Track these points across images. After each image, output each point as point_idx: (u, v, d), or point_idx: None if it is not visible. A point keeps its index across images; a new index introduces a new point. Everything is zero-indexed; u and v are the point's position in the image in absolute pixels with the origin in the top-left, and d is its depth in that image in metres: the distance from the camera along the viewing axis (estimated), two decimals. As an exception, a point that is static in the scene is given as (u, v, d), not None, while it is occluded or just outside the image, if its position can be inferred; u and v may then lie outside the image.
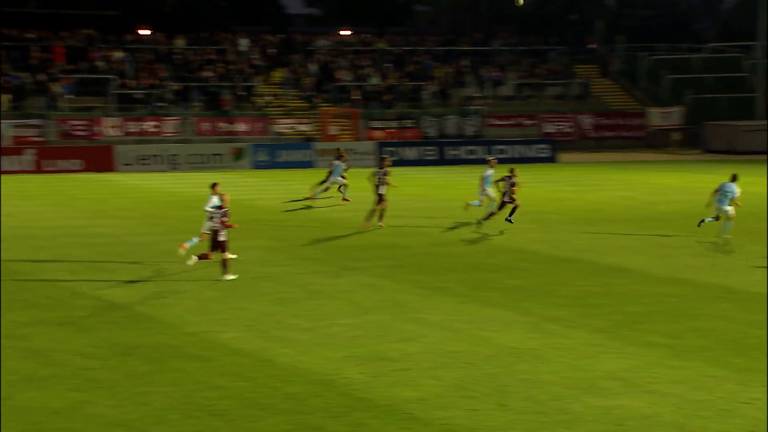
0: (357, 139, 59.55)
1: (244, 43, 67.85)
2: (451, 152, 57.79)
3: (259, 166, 54.45)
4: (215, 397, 13.83)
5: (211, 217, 22.27)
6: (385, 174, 29.98)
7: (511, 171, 30.19)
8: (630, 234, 29.30)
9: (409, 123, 62.65)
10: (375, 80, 66.85)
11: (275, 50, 68.32)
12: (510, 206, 30.01)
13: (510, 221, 30.10)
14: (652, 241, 27.92)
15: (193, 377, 14.76)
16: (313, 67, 66.79)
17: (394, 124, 62.38)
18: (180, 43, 67.22)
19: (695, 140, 64.88)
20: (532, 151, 58.94)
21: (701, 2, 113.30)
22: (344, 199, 36.36)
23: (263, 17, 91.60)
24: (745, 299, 20.15)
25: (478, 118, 64.12)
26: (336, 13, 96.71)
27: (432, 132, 62.41)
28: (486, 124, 64.09)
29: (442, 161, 56.93)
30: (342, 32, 73.75)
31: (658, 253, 25.89)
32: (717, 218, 28.15)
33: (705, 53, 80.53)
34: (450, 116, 63.71)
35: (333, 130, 60.24)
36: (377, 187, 29.88)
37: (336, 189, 37.38)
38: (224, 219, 22.13)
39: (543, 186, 43.27)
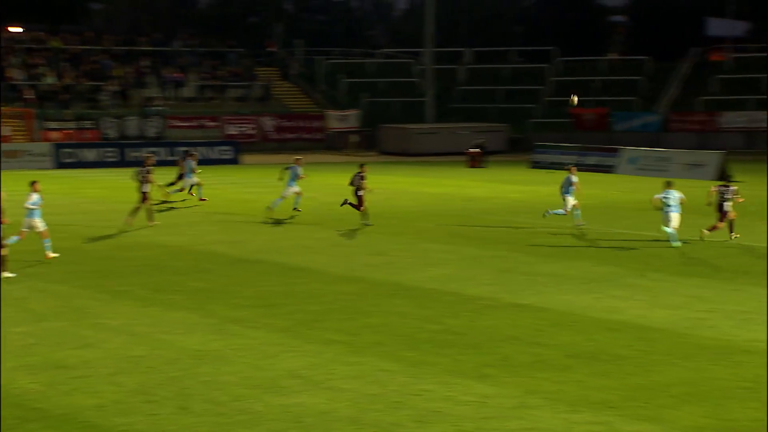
0: (32, 140, 57.45)
1: None
2: (132, 154, 56.74)
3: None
4: None
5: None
6: (148, 172, 30.56)
7: (361, 167, 31.78)
8: (311, 234, 29.99)
9: (87, 124, 61.09)
10: (50, 79, 64.67)
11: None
12: (355, 202, 31.25)
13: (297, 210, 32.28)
14: (332, 241, 28.71)
15: None
16: (-18, 65, 63.82)
17: (71, 124, 60.63)
18: None
19: (371, 142, 67.04)
20: (214, 152, 58.95)
21: (374, 9, 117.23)
22: (201, 199, 36.63)
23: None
24: (418, 295, 21.12)
25: (159, 119, 63.42)
26: (2, 8, 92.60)
27: (112, 133, 61.16)
28: (168, 125, 63.48)
29: (123, 163, 55.82)
30: (11, 29, 70.78)
31: (337, 253, 26.66)
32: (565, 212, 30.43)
33: (378, 58, 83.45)
34: (131, 117, 62.67)
35: (6, 130, 57.73)
36: (141, 185, 30.54)
37: (188, 190, 37.30)
38: None
39: (226, 188, 43.45)
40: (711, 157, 49.16)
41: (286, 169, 34.55)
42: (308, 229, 31.04)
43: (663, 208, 27.43)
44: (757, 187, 40.65)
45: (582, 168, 53.19)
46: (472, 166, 55.64)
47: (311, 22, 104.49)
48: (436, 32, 73.06)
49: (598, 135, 66.38)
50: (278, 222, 32.53)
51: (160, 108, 64.38)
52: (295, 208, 34.31)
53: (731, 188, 28.52)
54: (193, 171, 37.24)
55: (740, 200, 28.43)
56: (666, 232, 27.35)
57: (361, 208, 31.48)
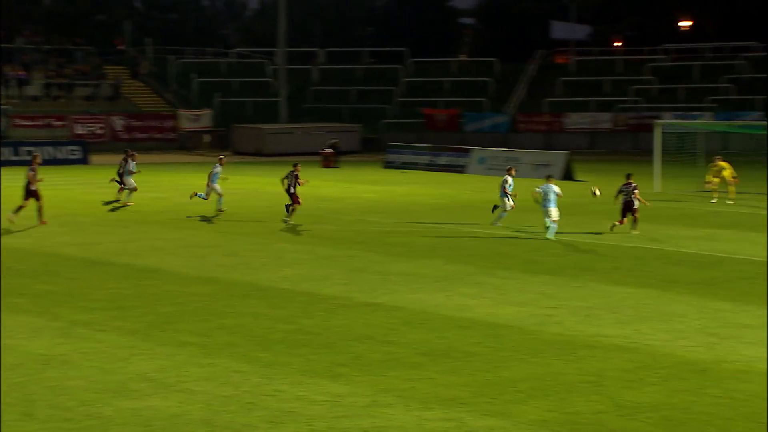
0: None
1: None
2: (-25, 153, 55.09)
3: None
4: None
5: None
6: (34, 170, 30.78)
7: (295, 166, 32.28)
8: (163, 235, 29.62)
9: (-73, 123, 59.01)
10: None
11: None
12: (295, 202, 31.57)
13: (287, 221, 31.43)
14: (185, 242, 28.41)
15: None
16: None
17: None
18: None
19: (225, 142, 66.59)
20: (62, 152, 57.65)
21: (225, 8, 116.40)
22: (127, 204, 36.40)
23: None
24: (272, 295, 21.09)
25: (3, 118, 61.62)
26: None
27: (-47, 132, 59.24)
28: (12, 124, 61.80)
29: (-35, 163, 54.12)
30: None
31: (190, 254, 26.39)
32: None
33: (231, 58, 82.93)
34: (-28, 116, 60.80)
35: None
36: (28, 184, 30.68)
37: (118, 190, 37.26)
38: None
39: (75, 188, 42.56)
40: (557, 157, 50.42)
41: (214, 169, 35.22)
42: (160, 230, 30.65)
43: (542, 202, 28.58)
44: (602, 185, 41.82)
45: (434, 168, 54.11)
46: (326, 166, 55.79)
47: (162, 20, 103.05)
48: (288, 32, 72.99)
49: (450, 135, 67.42)
50: (126, 224, 32.05)
51: (4, 107, 62.56)
52: (196, 200, 35.15)
53: (632, 185, 29.75)
54: (131, 173, 36.94)
55: (645, 202, 30.07)
56: (547, 224, 28.55)
57: (297, 204, 31.72)
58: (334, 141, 58.58)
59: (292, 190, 31.82)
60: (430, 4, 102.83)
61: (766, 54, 77.94)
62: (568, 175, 48.35)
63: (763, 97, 70.88)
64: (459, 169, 53.47)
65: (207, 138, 66.38)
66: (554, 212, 28.52)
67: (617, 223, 29.60)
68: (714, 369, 15.64)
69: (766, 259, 25.08)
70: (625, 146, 67.99)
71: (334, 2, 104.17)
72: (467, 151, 55.08)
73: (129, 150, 39.31)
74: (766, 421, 13.28)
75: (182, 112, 69.16)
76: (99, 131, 64.88)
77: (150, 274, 23.33)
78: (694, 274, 23.55)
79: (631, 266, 24.56)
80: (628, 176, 30.21)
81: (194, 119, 68.94)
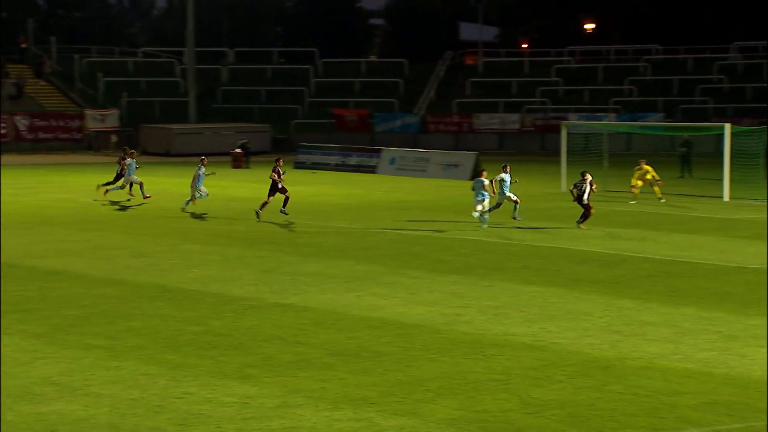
0: None
1: None
2: None
3: None
4: None
5: None
6: None
7: (277, 161, 33.34)
8: (69, 237, 29.17)
9: None
10: None
11: None
12: (282, 196, 32.49)
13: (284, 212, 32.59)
14: (92, 244, 28.01)
15: None
16: None
17: None
18: None
19: (133, 143, 65.81)
20: (-36, 153, 56.44)
21: (132, 7, 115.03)
22: (145, 197, 36.67)
23: None
24: (181, 297, 20.92)
25: None
26: None
27: None
28: None
29: None
30: None
31: (98, 255, 26.04)
32: (498, 206, 31.35)
33: (138, 57, 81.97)
34: None
35: None
36: None
37: (130, 188, 37.26)
38: None
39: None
40: (466, 158, 50.81)
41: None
42: (66, 232, 30.18)
43: (476, 193, 30.57)
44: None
45: (344, 168, 54.13)
46: (236, 167, 55.45)
47: (67, 18, 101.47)
48: (197, 32, 72.38)
49: (360, 136, 67.54)
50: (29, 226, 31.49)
51: None
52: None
53: (587, 180, 30.65)
54: (134, 169, 37.25)
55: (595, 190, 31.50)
56: (475, 216, 30.57)
57: (272, 198, 32.66)
58: (244, 141, 58.24)
59: (280, 185, 32.70)
60: (339, 4, 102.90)
61: (666, 57, 79.65)
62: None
63: (664, 98, 72.37)
64: (369, 169, 53.57)
65: (114, 138, 65.52)
66: (487, 202, 30.50)
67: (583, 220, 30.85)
68: (618, 366, 15.92)
69: (731, 264, 25.64)
70: (533, 147, 68.82)
71: (243, 2, 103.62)
72: (378, 151, 55.23)
73: (127, 148, 39.32)
74: (667, 416, 13.57)
75: (89, 111, 68.17)
76: (2, 131, 63.62)
77: (55, 276, 22.97)
78: (599, 273, 23.94)
79: (539, 265, 24.88)
80: (583, 174, 31.10)
81: (101, 119, 67.99)
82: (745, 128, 46.25)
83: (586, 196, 30.59)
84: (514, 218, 31.76)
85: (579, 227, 30.58)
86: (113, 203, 37.42)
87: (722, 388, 14.73)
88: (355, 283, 22.50)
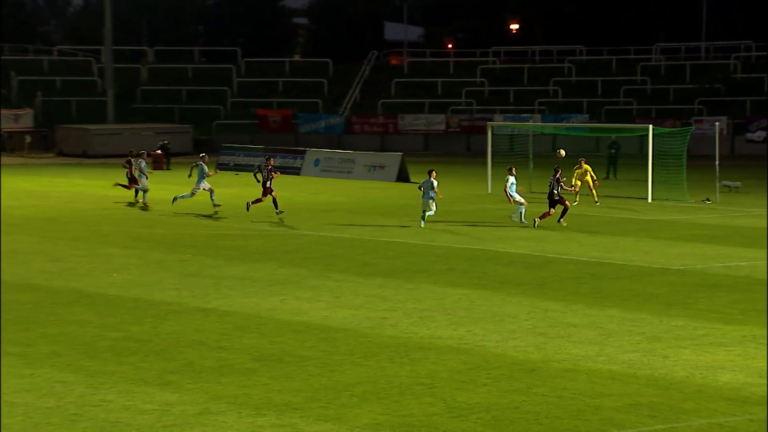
0: None
1: None
2: None
3: None
4: None
5: None
6: None
7: (267, 160, 34.09)
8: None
9: None
10: None
11: None
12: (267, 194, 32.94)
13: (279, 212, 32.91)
14: (5, 248, 27.28)
15: None
16: None
17: None
18: None
19: (48, 143, 64.61)
20: None
21: (47, 4, 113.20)
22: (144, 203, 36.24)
23: None
24: (99, 302, 20.43)
25: None
26: None
27: None
28: None
29: None
30: None
31: (10, 260, 25.36)
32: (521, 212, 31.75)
33: (54, 56, 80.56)
34: None
35: None
36: None
37: (136, 193, 36.79)
38: None
39: None
40: (392, 159, 50.68)
41: (195, 166, 35.10)
42: (-20, 235, 29.39)
43: (423, 193, 31.06)
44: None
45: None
46: (156, 168, 54.66)
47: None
48: (115, 30, 71.32)
49: (284, 136, 67.10)
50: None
51: None
52: (215, 205, 34.95)
53: (557, 175, 31.19)
54: (143, 173, 36.44)
55: (570, 189, 32.45)
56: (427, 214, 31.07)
57: (269, 195, 33.14)
58: (164, 142, 57.43)
59: (268, 184, 33.20)
60: (262, 3, 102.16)
61: (590, 58, 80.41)
62: (403, 177, 48.67)
63: (588, 99, 73.03)
64: (294, 170, 53.15)
65: (28, 139, 64.21)
66: (433, 204, 30.96)
67: (546, 216, 31.15)
68: (543, 368, 15.85)
69: (657, 265, 25.76)
70: (458, 148, 68.97)
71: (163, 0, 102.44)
72: (302, 152, 54.85)
73: (133, 150, 38.20)
74: (591, 418, 13.51)
75: (2, 111, 66.74)
76: None
77: (-31, 281, 22.31)
78: (525, 275, 23.91)
79: (464, 268, 24.78)
80: (556, 170, 31.34)
81: (14, 119, 66.60)
82: (667, 129, 46.76)
83: (556, 192, 31.05)
84: (519, 221, 31.97)
85: (560, 223, 31.29)
86: (130, 204, 36.97)
87: (646, 390, 14.75)
88: (279, 286, 22.19)
